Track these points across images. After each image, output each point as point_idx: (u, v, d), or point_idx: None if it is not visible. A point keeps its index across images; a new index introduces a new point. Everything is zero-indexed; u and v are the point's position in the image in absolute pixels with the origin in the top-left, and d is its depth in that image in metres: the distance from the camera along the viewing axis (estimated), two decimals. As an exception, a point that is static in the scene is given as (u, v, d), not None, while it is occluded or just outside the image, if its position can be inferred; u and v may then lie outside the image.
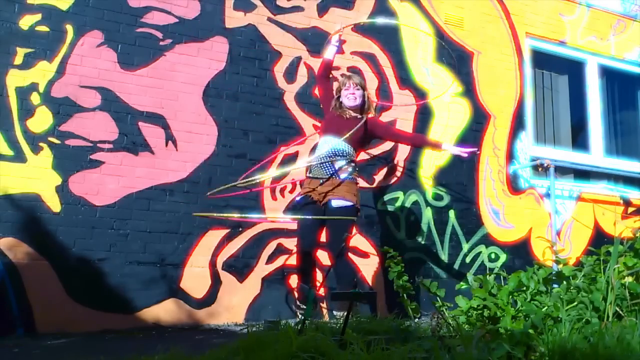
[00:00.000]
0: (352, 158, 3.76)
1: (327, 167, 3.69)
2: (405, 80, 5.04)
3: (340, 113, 3.82)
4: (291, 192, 4.41)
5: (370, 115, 3.89)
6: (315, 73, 4.41)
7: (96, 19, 4.08)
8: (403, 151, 4.88)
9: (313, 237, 3.65)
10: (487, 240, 5.13)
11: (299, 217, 3.67)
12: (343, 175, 3.68)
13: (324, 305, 4.17)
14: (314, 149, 4.18)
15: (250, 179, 3.77)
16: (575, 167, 5.83)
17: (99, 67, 4.04)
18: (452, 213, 5.02)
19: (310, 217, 3.58)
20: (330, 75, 4.08)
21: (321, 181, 3.67)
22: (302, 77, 4.64)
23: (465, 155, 3.90)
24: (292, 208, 4.26)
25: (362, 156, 4.54)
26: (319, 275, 3.86)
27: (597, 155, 6.02)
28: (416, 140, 4.45)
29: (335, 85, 4.00)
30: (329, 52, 4.02)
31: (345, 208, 3.61)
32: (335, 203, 3.62)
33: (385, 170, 4.83)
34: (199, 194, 4.16)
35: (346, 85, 3.85)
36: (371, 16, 4.96)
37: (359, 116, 3.84)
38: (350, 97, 3.82)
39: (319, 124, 4.43)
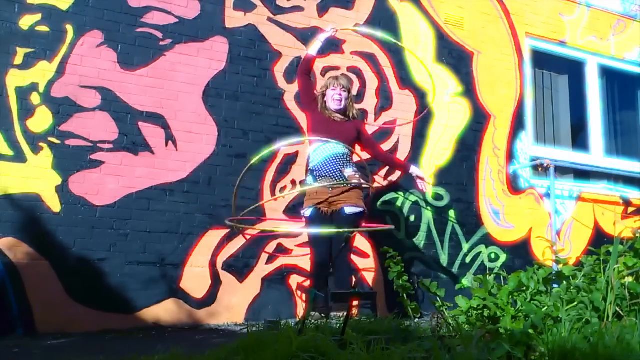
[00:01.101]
0: (351, 160, 3.82)
1: (336, 176, 3.72)
2: (405, 80, 5.04)
3: (329, 115, 3.86)
4: (291, 192, 4.41)
5: (356, 119, 3.99)
6: (314, 73, 4.40)
7: (96, 19, 4.08)
8: (403, 151, 4.88)
9: (328, 248, 3.71)
10: (487, 240, 5.13)
11: (343, 230, 3.62)
12: (353, 182, 3.74)
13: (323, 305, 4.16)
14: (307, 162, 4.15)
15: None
16: (575, 167, 5.83)
17: (99, 67, 4.04)
18: (452, 213, 5.02)
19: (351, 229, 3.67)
20: (311, 73, 4.08)
21: (330, 189, 3.69)
22: (302, 77, 4.64)
23: (421, 187, 4.25)
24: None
25: (363, 156, 4.53)
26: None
27: (597, 155, 6.02)
28: (388, 159, 4.48)
29: (320, 83, 4.01)
30: (313, 49, 4.02)
31: (356, 215, 3.71)
32: (349, 210, 3.69)
33: (385, 170, 4.82)
34: (199, 194, 4.16)
35: (333, 86, 3.88)
36: (371, 16, 4.97)
37: (346, 119, 3.90)
38: (335, 100, 3.86)
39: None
